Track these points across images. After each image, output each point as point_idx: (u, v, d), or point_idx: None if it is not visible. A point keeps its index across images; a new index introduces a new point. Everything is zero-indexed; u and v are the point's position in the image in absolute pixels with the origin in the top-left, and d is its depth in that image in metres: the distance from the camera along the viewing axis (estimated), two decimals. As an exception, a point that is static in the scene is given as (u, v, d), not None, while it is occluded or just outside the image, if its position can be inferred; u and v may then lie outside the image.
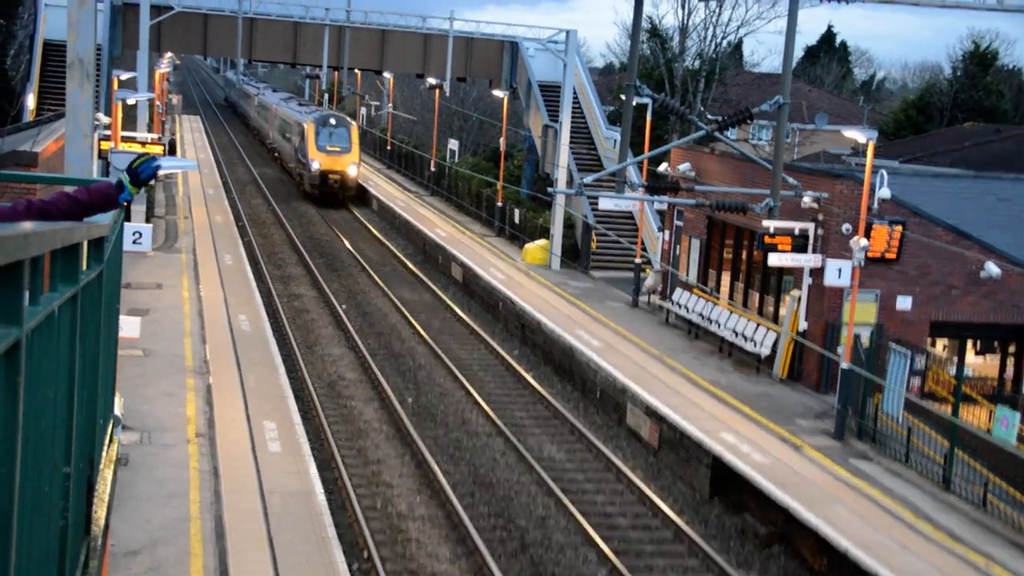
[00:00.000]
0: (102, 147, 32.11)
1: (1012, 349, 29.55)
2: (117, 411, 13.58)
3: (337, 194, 57.96)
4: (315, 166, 57.33)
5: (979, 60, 74.68)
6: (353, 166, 57.99)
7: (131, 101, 37.56)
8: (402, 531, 19.09)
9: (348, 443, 23.38)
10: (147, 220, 39.20)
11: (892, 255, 28.06)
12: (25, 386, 3.26)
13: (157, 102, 58.71)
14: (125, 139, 33.83)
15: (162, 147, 35.65)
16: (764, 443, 22.79)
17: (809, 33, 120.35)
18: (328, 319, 34.57)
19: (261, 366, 26.12)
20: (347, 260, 44.60)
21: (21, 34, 43.72)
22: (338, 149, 57.60)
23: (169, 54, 69.29)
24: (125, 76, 38.22)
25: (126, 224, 19.61)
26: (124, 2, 47.94)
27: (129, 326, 20.08)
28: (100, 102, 36.14)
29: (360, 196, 60.05)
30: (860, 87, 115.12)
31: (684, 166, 37.03)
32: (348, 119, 60.47)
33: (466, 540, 18.75)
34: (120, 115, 32.17)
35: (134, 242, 23.88)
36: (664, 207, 39.28)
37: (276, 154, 74.29)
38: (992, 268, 27.35)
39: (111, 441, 9.65)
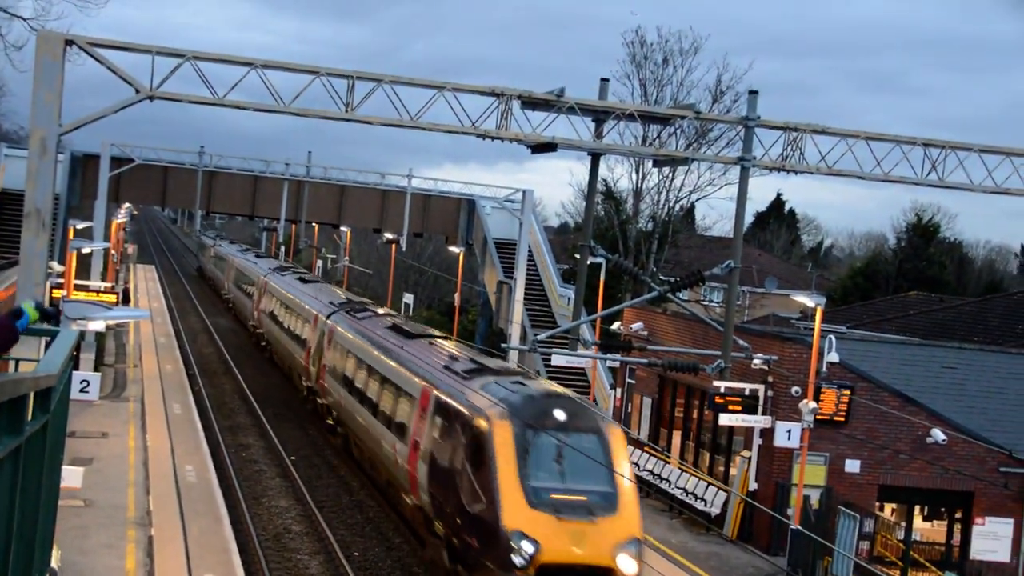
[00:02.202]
0: (54, 295, 32.05)
1: (959, 515, 29.64)
2: (54, 563, 13.31)
3: None
4: (526, 550, 19.91)
5: (922, 232, 76.87)
6: (630, 552, 20.38)
7: (86, 250, 37.65)
8: None
9: (291, 600, 22.85)
10: (96, 368, 38.88)
11: (840, 418, 28.31)
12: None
13: (112, 251, 58.84)
14: (78, 287, 33.80)
15: (115, 296, 35.63)
16: (713, 607, 22.48)
17: (759, 200, 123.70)
18: (276, 470, 34.13)
19: (206, 518, 25.64)
20: (297, 407, 44.22)
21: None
22: (583, 499, 20.88)
23: (127, 204, 69.78)
24: (81, 225, 38.40)
25: (74, 372, 19.53)
26: (84, 153, 48.43)
27: (71, 476, 19.75)
28: (55, 250, 36.22)
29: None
30: (808, 253, 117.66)
31: (637, 325, 37.43)
32: (594, 409, 23.74)
33: None
34: (74, 264, 32.22)
35: (81, 391, 23.66)
36: (616, 365, 39.54)
37: (354, 445, 33.56)
38: (938, 434, 27.65)
39: (46, 596, 9.45)
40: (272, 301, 51.98)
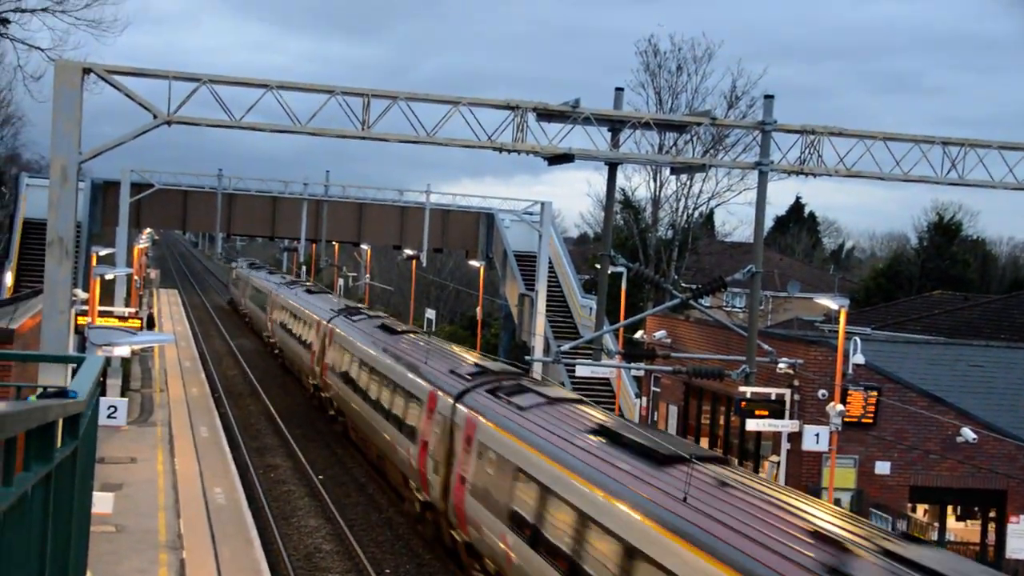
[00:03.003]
0: (79, 322, 32.22)
1: (992, 514, 29.40)
2: (87, 590, 13.32)
3: None
4: None
5: (944, 231, 76.51)
6: None
7: (109, 276, 37.84)
8: None
9: (323, 620, 22.88)
10: (122, 394, 39.05)
11: (868, 420, 28.16)
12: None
13: (135, 277, 59.14)
14: (102, 314, 33.95)
15: (140, 321, 35.78)
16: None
17: (778, 204, 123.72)
18: (305, 489, 34.18)
19: (236, 540, 25.70)
20: (323, 429, 44.30)
21: (1, 214, 44.45)
22: None
23: (148, 229, 70.20)
24: (104, 252, 38.60)
25: (101, 399, 19.65)
26: (105, 180, 48.77)
27: (102, 502, 19.82)
28: (78, 277, 36.42)
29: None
30: (829, 256, 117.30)
31: (660, 333, 37.35)
32: None
33: None
34: (98, 290, 32.42)
35: (109, 416, 23.74)
36: (641, 374, 39.43)
37: None
38: (968, 433, 27.46)
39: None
40: (345, 358, 40.30)
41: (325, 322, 45.67)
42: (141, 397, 44.66)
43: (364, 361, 36.71)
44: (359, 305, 54.90)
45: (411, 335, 38.04)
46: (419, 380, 29.08)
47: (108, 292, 41.67)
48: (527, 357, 39.86)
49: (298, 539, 28.65)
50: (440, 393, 26.65)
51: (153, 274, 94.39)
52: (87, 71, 24.00)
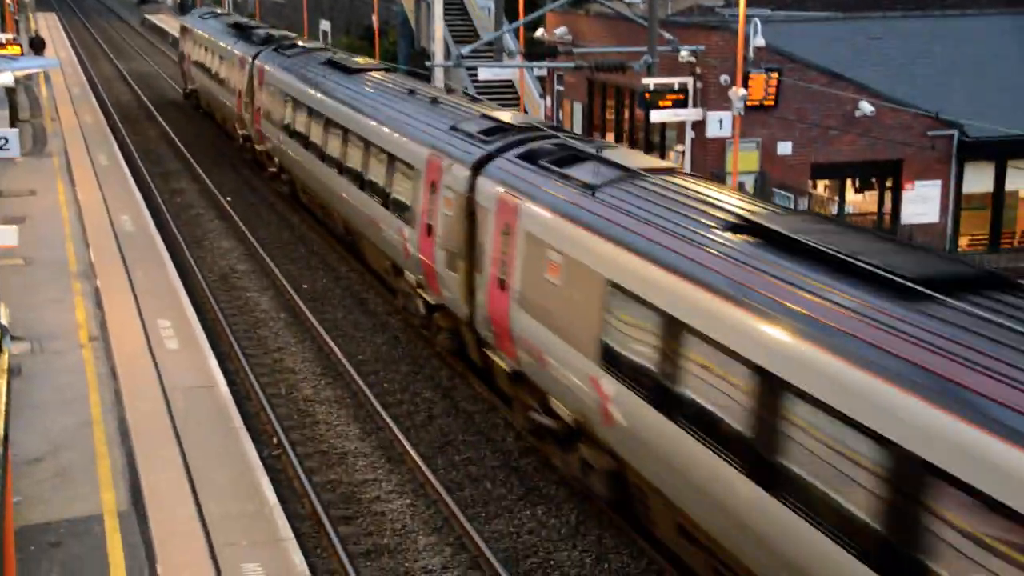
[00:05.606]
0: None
1: (889, 184, 30.39)
2: (3, 320, 13.30)
3: None
4: None
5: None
6: None
7: (-19, 2, 35.89)
8: (310, 415, 19.15)
9: (247, 333, 23.22)
10: (12, 125, 37.86)
11: (770, 102, 28.43)
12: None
13: (8, 1, 56.18)
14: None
15: (19, 47, 34.29)
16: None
17: None
18: (214, 212, 34.00)
19: (149, 265, 25.70)
20: (228, 152, 43.72)
21: None
22: None
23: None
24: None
25: (-10, 129, 18.99)
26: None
27: (6, 235, 19.55)
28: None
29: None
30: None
31: (561, 30, 36.84)
32: None
33: (374, 417, 18.89)
34: (-29, 17, 30.84)
35: (0, 148, 23.09)
36: (544, 73, 39.09)
37: None
38: (866, 107, 27.89)
39: (0, 352, 9.48)
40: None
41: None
42: (32, 127, 43.32)
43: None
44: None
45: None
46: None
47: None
48: (427, 63, 39.15)
49: (212, 261, 28.72)
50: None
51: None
52: None
